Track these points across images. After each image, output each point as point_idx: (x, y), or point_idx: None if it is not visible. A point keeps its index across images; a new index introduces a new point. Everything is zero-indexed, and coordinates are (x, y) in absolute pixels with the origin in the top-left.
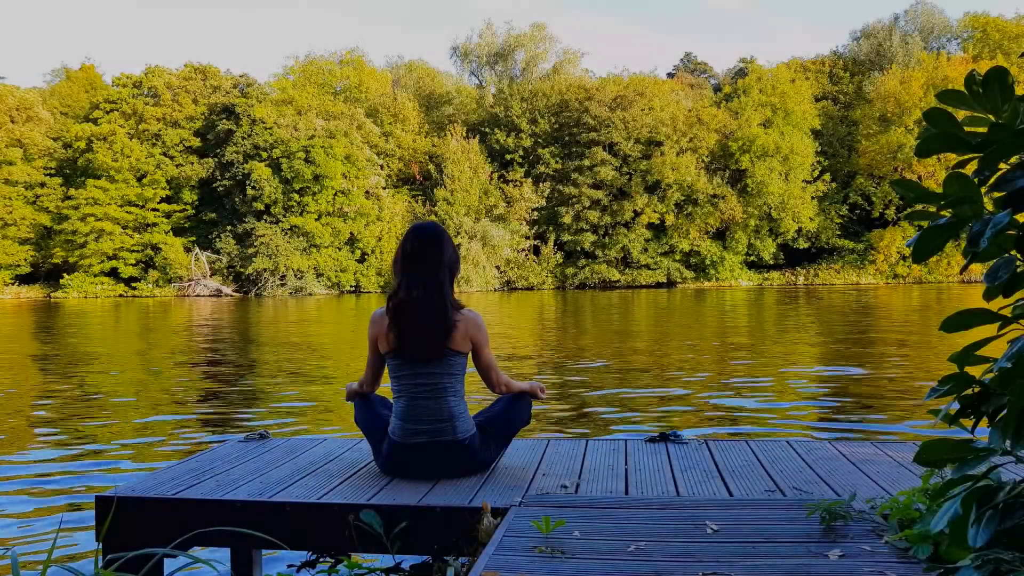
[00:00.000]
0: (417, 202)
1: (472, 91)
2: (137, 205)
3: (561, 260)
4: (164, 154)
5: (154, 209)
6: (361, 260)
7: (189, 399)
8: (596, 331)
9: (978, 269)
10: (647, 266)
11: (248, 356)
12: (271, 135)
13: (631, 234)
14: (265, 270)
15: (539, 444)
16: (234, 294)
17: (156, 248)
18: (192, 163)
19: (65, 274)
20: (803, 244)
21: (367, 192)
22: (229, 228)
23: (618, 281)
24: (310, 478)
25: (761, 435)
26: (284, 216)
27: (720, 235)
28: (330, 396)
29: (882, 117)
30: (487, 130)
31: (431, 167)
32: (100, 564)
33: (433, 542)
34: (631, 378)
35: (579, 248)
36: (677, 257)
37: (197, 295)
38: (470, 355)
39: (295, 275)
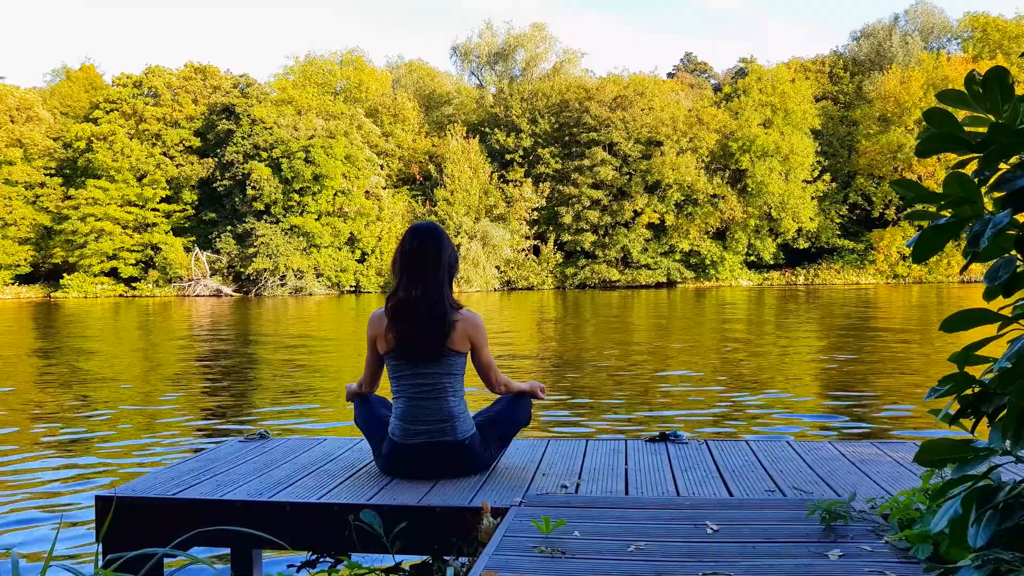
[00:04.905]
0: (417, 202)
1: (472, 91)
2: (137, 205)
3: (561, 260)
4: (164, 154)
5: (154, 209)
6: (361, 260)
7: (189, 399)
8: (596, 331)
9: (978, 269)
10: (647, 266)
11: (248, 356)
12: (271, 135)
13: (631, 234)
14: (265, 270)
15: (539, 444)
16: (234, 294)
17: (156, 248)
18: (192, 163)
19: (65, 274)
20: (803, 244)
21: (367, 192)
22: (229, 228)
23: (618, 281)
24: (310, 478)
25: (761, 434)
26: (284, 216)
27: (720, 235)
28: (330, 396)
29: (882, 117)
30: (487, 130)
31: (431, 167)
32: (100, 564)
33: (433, 542)
34: (631, 378)
35: (579, 248)
36: (677, 257)
37: (197, 295)
38: (469, 355)
39: (295, 275)
